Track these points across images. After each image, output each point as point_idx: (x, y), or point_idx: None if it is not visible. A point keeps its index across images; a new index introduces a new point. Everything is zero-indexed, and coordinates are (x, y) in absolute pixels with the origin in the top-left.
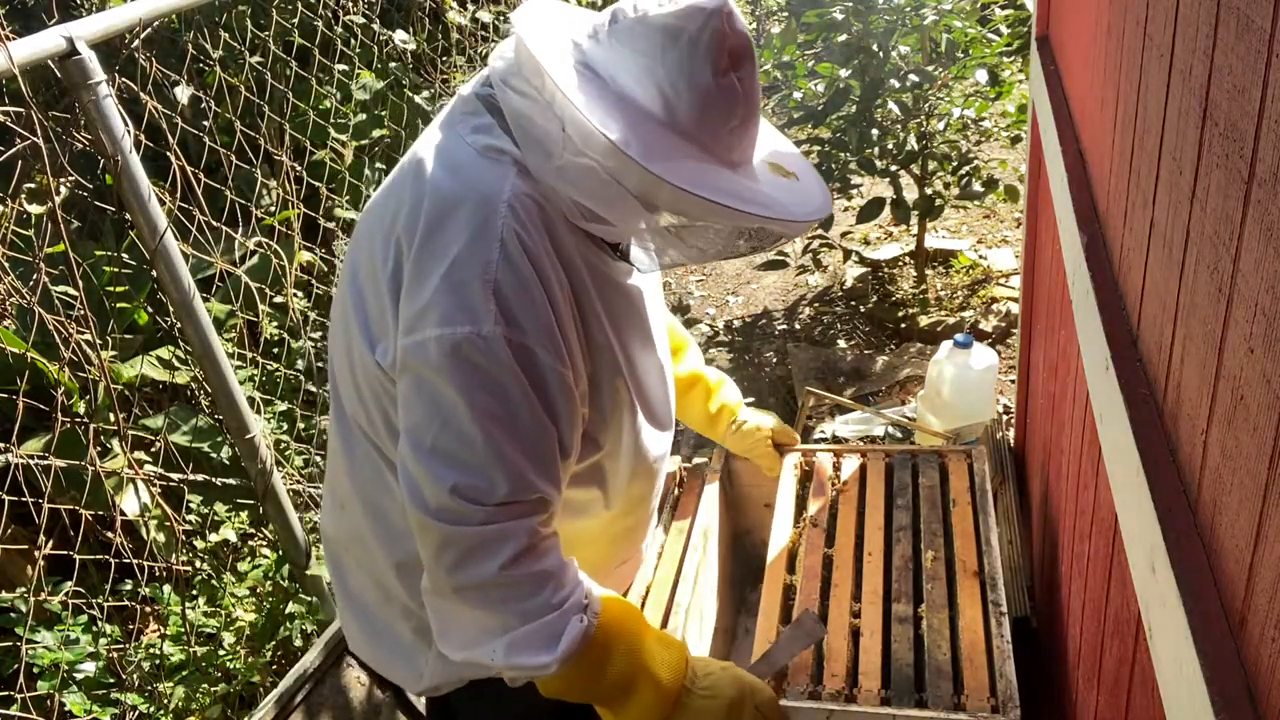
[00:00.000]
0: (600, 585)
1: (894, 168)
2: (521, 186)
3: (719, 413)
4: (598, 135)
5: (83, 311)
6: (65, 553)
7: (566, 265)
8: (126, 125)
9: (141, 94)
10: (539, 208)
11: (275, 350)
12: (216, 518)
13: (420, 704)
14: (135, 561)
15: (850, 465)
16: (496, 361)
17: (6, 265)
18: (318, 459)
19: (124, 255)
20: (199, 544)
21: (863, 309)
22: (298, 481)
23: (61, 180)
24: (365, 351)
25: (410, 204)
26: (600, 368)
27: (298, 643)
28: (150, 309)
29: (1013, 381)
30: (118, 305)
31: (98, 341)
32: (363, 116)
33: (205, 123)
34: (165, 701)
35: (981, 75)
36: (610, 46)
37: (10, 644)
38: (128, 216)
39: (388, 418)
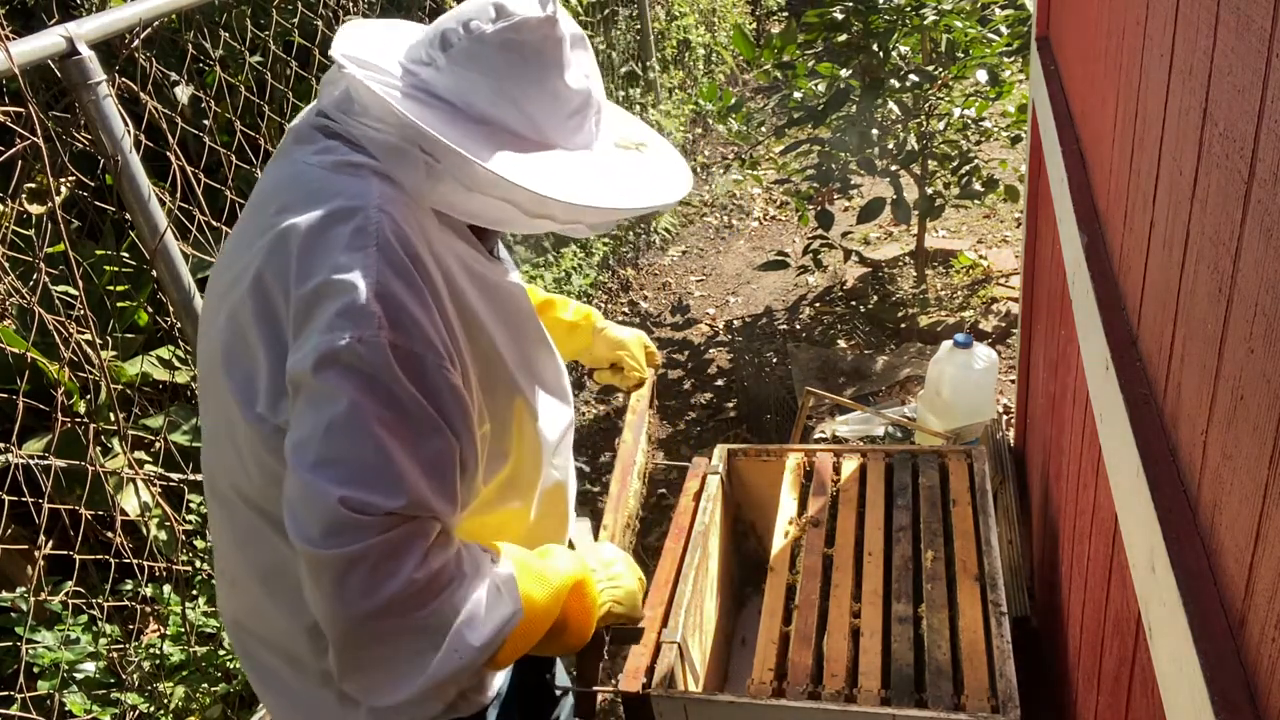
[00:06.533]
0: None
1: (894, 168)
2: (389, 192)
3: (578, 321)
4: (477, 168)
5: (83, 311)
6: (65, 552)
7: (443, 269)
8: (126, 125)
9: (141, 94)
10: (410, 212)
11: None
12: None
13: None
14: (135, 561)
15: (850, 465)
16: (384, 366)
17: (6, 265)
18: None
19: (124, 255)
20: (199, 544)
21: (863, 309)
22: None
23: (61, 180)
24: (242, 411)
25: (272, 243)
26: (491, 370)
27: None
28: (150, 309)
29: (1013, 381)
30: (118, 305)
31: (98, 341)
32: None
33: (205, 123)
34: (165, 701)
35: (981, 75)
36: (453, 72)
37: (10, 644)
38: (128, 216)
39: (273, 471)
